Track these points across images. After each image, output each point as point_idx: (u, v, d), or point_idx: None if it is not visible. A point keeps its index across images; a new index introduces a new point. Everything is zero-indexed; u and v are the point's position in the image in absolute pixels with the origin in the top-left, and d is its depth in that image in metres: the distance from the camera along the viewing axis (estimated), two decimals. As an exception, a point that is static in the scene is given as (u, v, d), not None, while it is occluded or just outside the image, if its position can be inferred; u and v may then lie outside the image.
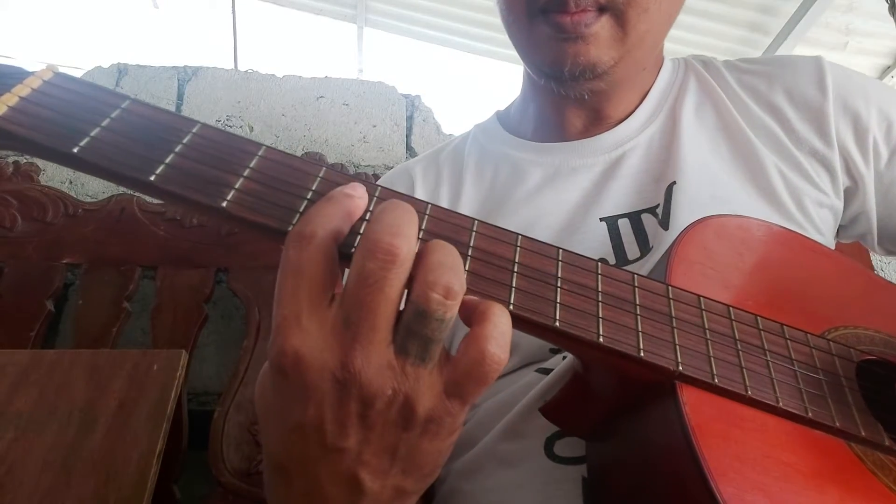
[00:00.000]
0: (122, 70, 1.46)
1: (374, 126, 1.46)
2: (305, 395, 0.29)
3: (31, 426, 0.72)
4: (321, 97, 1.47)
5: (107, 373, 0.78)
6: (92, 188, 1.31)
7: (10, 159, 1.21)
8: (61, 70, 0.35)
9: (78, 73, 1.52)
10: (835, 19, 3.07)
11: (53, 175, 1.30)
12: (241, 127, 1.42)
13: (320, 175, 0.34)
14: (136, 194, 1.15)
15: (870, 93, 0.60)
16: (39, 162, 1.25)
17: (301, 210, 0.32)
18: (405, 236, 0.29)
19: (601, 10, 0.54)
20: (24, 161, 1.20)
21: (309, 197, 0.33)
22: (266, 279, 1.08)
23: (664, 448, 0.35)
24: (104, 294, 1.05)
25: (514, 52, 0.64)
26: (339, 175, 0.35)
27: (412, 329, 0.29)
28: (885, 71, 3.33)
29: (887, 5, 2.66)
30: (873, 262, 1.35)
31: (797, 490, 0.33)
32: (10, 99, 0.32)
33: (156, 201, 1.15)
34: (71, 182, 1.31)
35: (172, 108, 1.44)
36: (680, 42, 3.22)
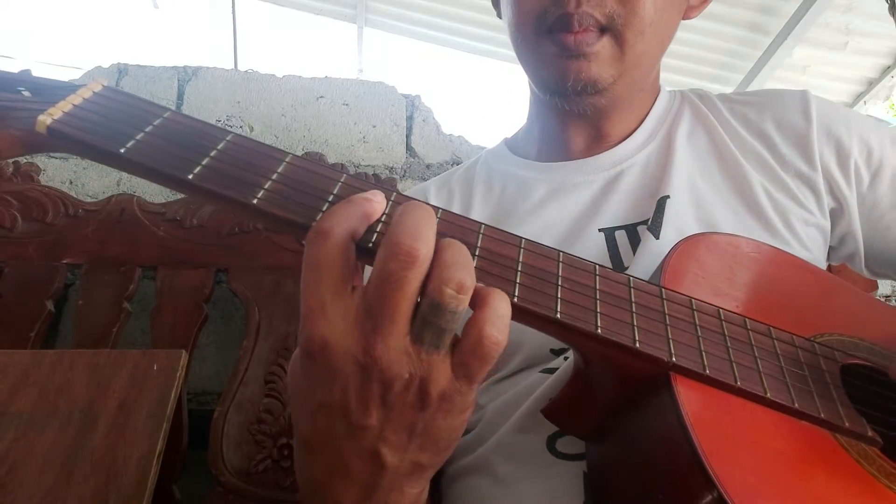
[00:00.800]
0: (122, 70, 1.47)
1: (374, 126, 1.46)
2: (332, 378, 0.33)
3: (31, 426, 0.72)
4: (321, 97, 1.47)
5: (107, 373, 0.78)
6: (92, 188, 1.31)
7: (11, 159, 1.21)
8: (107, 84, 0.40)
9: (78, 73, 1.52)
10: (835, 19, 3.07)
11: (54, 175, 1.30)
12: (240, 127, 1.42)
13: (341, 180, 0.38)
14: (136, 194, 1.15)
15: (851, 122, 0.65)
16: (39, 162, 1.26)
17: (323, 209, 0.35)
18: (424, 239, 0.31)
19: (602, 30, 0.59)
20: (25, 161, 1.20)
21: (330, 199, 0.36)
22: (266, 280, 1.08)
23: (660, 435, 0.37)
24: (104, 294, 1.05)
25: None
26: (359, 181, 0.38)
27: (428, 320, 0.32)
28: (885, 71, 3.33)
29: (887, 5, 2.66)
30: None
31: (786, 473, 0.35)
32: (65, 106, 0.36)
33: (156, 202, 1.15)
34: (71, 182, 1.32)
35: (172, 108, 1.43)
36: (680, 42, 3.22)
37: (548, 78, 0.62)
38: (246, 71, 1.50)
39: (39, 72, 0.40)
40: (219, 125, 1.56)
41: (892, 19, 2.66)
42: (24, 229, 1.08)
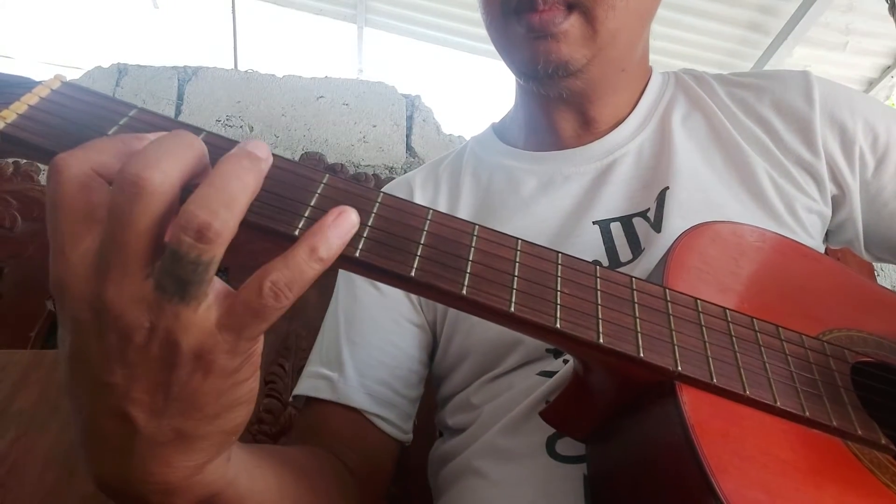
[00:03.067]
0: (122, 70, 1.47)
1: (374, 126, 1.46)
2: (69, 323, 0.30)
3: (32, 426, 0.72)
4: (321, 97, 1.47)
5: (107, 372, 0.78)
6: (92, 188, 1.31)
7: (10, 159, 1.21)
8: (69, 79, 0.35)
9: (78, 73, 1.52)
10: (835, 19, 3.07)
11: (54, 175, 1.30)
12: (241, 127, 1.42)
13: (324, 181, 0.35)
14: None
15: (856, 105, 0.62)
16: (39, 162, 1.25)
17: (306, 215, 0.33)
18: (160, 170, 0.27)
19: (570, 8, 0.56)
20: (25, 161, 1.20)
21: (313, 203, 0.33)
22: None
23: (665, 447, 0.36)
24: (105, 294, 1.05)
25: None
26: (343, 181, 0.35)
27: (166, 267, 0.28)
28: (885, 71, 3.33)
29: (887, 5, 2.66)
30: (874, 263, 1.36)
31: (796, 486, 0.34)
32: (20, 107, 0.33)
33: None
34: (71, 182, 1.32)
35: (172, 108, 1.44)
36: (680, 42, 3.22)
37: (519, 61, 0.60)
38: (246, 71, 1.50)
39: (40, 72, 0.37)
40: (218, 125, 1.55)
41: (892, 19, 2.66)
42: (25, 229, 1.08)
